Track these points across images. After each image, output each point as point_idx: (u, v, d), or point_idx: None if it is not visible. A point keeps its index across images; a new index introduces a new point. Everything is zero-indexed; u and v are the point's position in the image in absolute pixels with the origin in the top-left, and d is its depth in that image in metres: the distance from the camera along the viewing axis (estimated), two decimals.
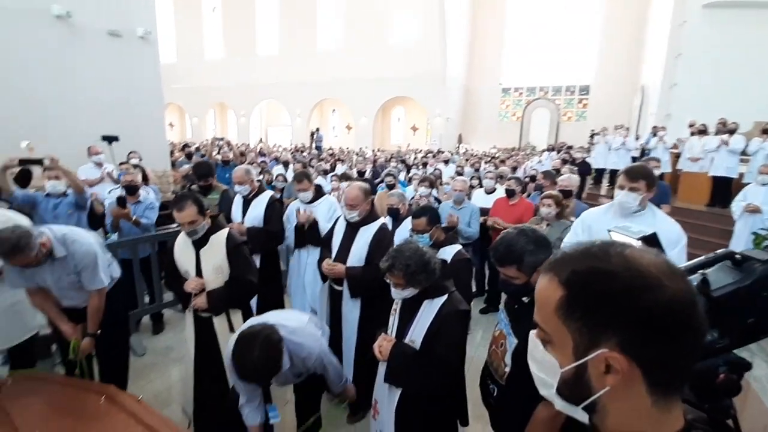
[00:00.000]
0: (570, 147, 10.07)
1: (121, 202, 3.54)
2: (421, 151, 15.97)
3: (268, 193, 3.49)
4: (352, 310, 2.57)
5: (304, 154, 12.35)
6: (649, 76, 15.04)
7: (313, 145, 17.74)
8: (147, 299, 4.00)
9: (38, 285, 2.23)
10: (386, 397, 1.84)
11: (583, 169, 8.13)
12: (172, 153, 9.36)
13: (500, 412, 1.66)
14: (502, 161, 10.49)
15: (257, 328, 1.68)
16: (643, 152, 8.56)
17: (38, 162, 3.13)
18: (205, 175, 3.90)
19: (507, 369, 1.56)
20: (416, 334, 1.75)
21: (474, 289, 4.25)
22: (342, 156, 12.72)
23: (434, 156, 11.96)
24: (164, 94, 8.10)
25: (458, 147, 19.66)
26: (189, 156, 8.40)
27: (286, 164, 7.71)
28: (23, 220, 2.63)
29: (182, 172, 7.29)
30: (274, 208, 3.37)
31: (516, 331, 1.54)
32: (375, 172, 7.73)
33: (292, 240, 3.35)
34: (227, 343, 2.24)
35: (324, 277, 2.72)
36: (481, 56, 21.74)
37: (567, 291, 0.53)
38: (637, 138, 9.87)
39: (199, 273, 2.24)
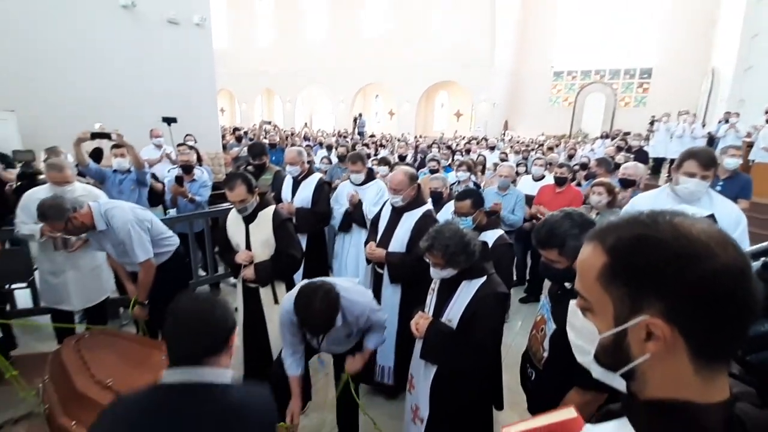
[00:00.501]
0: (626, 134, 9.41)
1: (178, 180, 3.82)
2: (463, 137, 15.64)
3: (317, 176, 3.60)
4: (392, 294, 2.61)
5: (347, 139, 12.50)
6: (721, 58, 13.64)
7: (356, 131, 17.87)
8: (201, 272, 4.31)
9: (104, 250, 2.51)
10: (422, 373, 1.89)
11: (640, 157, 7.61)
12: (223, 137, 9.84)
13: (537, 397, 1.66)
14: (550, 149, 10.05)
15: (317, 283, 1.74)
16: (711, 140, 7.87)
17: (107, 136, 3.45)
18: (259, 155, 4.06)
19: (545, 354, 1.55)
20: (453, 314, 1.76)
21: (515, 278, 4.18)
22: (383, 141, 12.75)
23: (478, 142, 11.67)
24: (216, 80, 8.48)
25: (503, 134, 19.03)
26: (239, 139, 8.76)
27: (329, 148, 7.85)
28: (97, 193, 2.91)
29: (233, 155, 7.65)
30: (322, 190, 3.47)
31: (555, 316, 1.51)
32: (417, 158, 7.69)
33: (339, 221, 3.43)
34: (272, 312, 2.39)
35: (368, 259, 2.77)
36: (532, 38, 20.66)
37: (611, 258, 0.52)
38: (704, 125, 9.07)
39: (248, 246, 2.38)
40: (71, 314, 2.89)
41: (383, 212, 2.75)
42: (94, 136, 3.37)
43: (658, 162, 8.91)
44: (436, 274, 1.79)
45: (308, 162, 3.82)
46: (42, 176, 3.33)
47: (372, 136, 14.40)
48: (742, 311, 0.47)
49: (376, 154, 8.55)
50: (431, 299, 1.91)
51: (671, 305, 0.48)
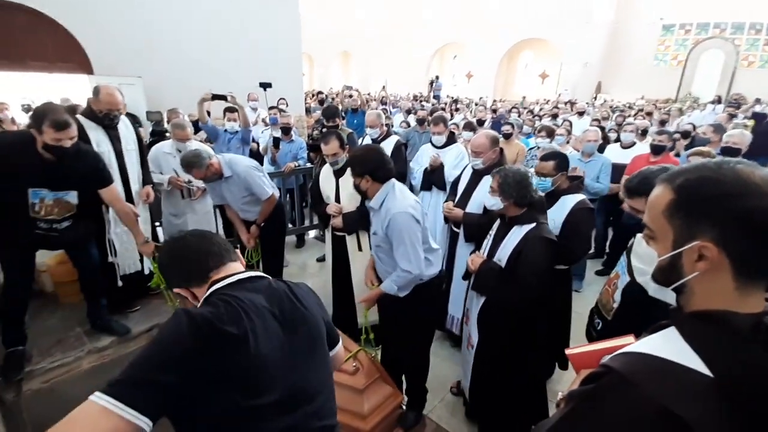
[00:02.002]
0: (738, 98, 8.05)
1: (276, 142, 4.25)
2: (547, 101, 14.54)
3: (394, 138, 3.79)
4: (466, 253, 2.71)
5: (423, 103, 12.37)
6: None
7: (431, 94, 17.51)
8: (289, 225, 4.83)
9: (225, 201, 2.98)
10: (474, 305, 2.12)
11: (762, 126, 6.58)
12: (305, 100, 10.36)
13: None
14: (649, 113, 9.03)
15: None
16: None
17: (224, 97, 4.00)
18: (332, 116, 4.29)
19: (615, 305, 1.64)
20: (503, 254, 1.97)
21: (593, 249, 4.06)
22: (459, 105, 12.39)
23: (571, 105, 10.78)
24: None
25: (595, 97, 17.31)
26: (321, 102, 9.19)
27: (408, 112, 7.94)
28: (207, 149, 3.42)
29: (315, 117, 8.10)
30: (400, 152, 3.66)
31: (629, 269, 1.58)
32: (495, 123, 7.46)
33: (419, 181, 3.60)
34: (356, 258, 2.69)
35: (446, 218, 2.92)
36: None
37: (676, 194, 0.64)
38: None
39: (337, 198, 2.67)
40: None
41: (464, 175, 2.85)
42: (215, 97, 3.94)
43: None
44: (488, 200, 2.04)
45: (386, 125, 4.00)
46: (168, 134, 3.95)
47: (455, 101, 13.89)
48: None
49: (451, 118, 8.45)
50: (487, 242, 2.14)
51: (722, 232, 0.59)
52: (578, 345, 0.98)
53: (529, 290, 1.86)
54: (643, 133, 5.02)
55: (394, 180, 2.02)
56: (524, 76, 21.20)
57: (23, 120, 5.57)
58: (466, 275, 2.20)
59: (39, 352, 2.42)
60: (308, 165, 4.51)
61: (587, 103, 12.49)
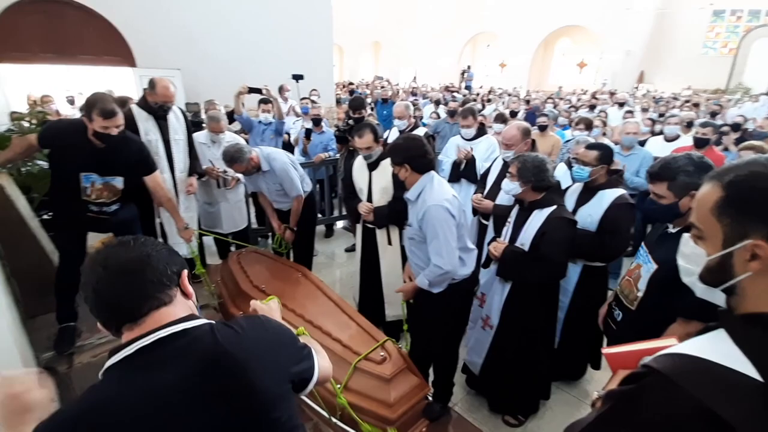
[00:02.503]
0: None
1: (308, 134, 4.31)
2: (585, 91, 13.95)
3: (422, 130, 3.75)
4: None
5: (454, 94, 12.17)
6: None
7: (463, 85, 17.20)
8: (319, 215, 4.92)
9: (260, 190, 3.06)
10: (495, 289, 2.17)
11: None
12: (335, 91, 10.43)
13: (623, 333, 1.74)
14: (696, 105, 8.51)
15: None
16: None
17: (259, 90, 4.12)
18: (358, 108, 4.26)
19: (639, 294, 1.64)
20: (525, 239, 2.01)
21: (630, 246, 3.90)
22: (490, 96, 12.08)
23: (611, 95, 10.29)
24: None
25: (637, 87, 16.46)
26: (351, 93, 9.22)
27: (437, 103, 7.84)
28: (240, 141, 3.52)
29: (344, 108, 8.15)
30: (428, 144, 3.61)
31: (656, 256, 1.58)
32: (529, 114, 7.24)
33: (447, 174, 3.56)
34: (385, 252, 2.71)
35: (474, 211, 2.89)
36: None
37: (726, 192, 0.62)
38: None
39: (370, 191, 2.68)
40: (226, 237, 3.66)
41: (493, 167, 2.81)
42: (251, 90, 4.05)
43: None
44: (507, 186, 2.08)
45: (415, 116, 3.96)
46: (204, 125, 4.08)
47: (490, 91, 13.56)
48: None
49: (483, 109, 8.27)
50: (507, 229, 2.17)
51: None
52: (615, 344, 0.95)
53: (558, 267, 1.94)
54: (689, 125, 4.74)
55: (433, 172, 2.00)
56: (561, 65, 20.42)
57: (67, 111, 5.92)
58: (487, 262, 2.22)
59: (88, 329, 2.61)
60: (338, 156, 4.55)
61: (628, 93, 11.88)
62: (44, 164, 2.66)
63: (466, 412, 2.38)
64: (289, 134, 5.05)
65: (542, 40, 19.11)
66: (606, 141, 4.26)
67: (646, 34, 17.42)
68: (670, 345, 0.75)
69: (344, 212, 4.87)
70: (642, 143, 4.09)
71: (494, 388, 2.35)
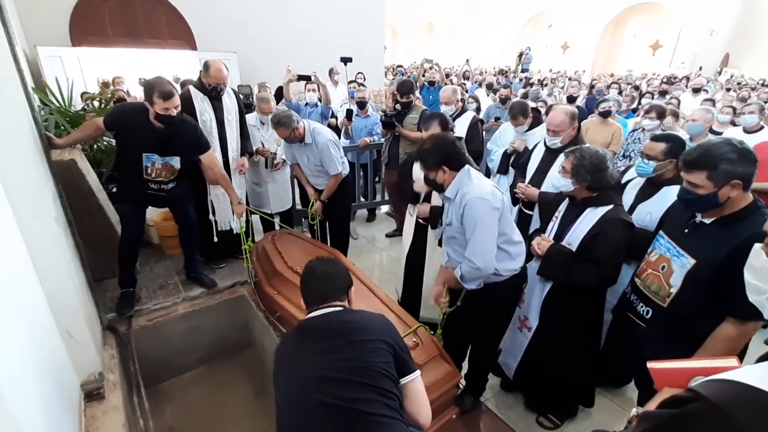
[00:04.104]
0: None
1: (348, 114, 4.32)
2: (658, 76, 12.69)
3: (470, 114, 3.61)
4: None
5: (513, 76, 11.56)
6: None
7: (520, 68, 16.33)
8: (362, 198, 4.95)
9: (296, 160, 3.17)
10: (535, 290, 2.04)
11: None
12: (386, 74, 10.33)
13: (654, 332, 1.66)
14: None
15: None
16: None
17: (308, 78, 4.24)
18: (406, 92, 4.16)
19: (672, 290, 1.56)
20: (573, 238, 1.86)
21: None
22: (546, 80, 11.34)
23: (686, 80, 9.28)
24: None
25: (720, 71, 14.74)
26: (395, 76, 9.08)
27: (489, 87, 7.51)
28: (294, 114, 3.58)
29: (391, 90, 8.07)
30: (476, 129, 3.48)
31: (691, 250, 1.51)
32: (589, 100, 6.74)
33: (496, 164, 3.40)
34: (433, 250, 2.64)
35: (515, 200, 2.75)
36: None
37: None
38: None
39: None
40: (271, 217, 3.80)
41: (534, 154, 2.65)
42: (300, 78, 4.20)
43: None
44: (556, 180, 1.94)
45: (461, 100, 3.79)
46: (254, 106, 4.22)
47: (538, 72, 12.85)
48: None
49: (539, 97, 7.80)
50: (553, 225, 2.02)
51: None
52: (664, 359, 0.85)
53: (610, 272, 1.77)
54: None
55: (468, 166, 1.86)
56: (631, 47, 18.71)
57: (138, 93, 6.36)
58: (528, 258, 2.03)
59: (146, 294, 2.84)
60: (382, 140, 4.52)
61: (708, 79, 10.63)
62: (113, 141, 2.88)
63: (497, 409, 2.33)
64: (336, 117, 5.09)
65: (612, 19, 17.59)
66: (678, 130, 3.86)
67: (735, 12, 15.42)
68: (730, 367, 0.66)
69: (386, 197, 4.86)
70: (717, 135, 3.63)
71: (531, 388, 2.28)
